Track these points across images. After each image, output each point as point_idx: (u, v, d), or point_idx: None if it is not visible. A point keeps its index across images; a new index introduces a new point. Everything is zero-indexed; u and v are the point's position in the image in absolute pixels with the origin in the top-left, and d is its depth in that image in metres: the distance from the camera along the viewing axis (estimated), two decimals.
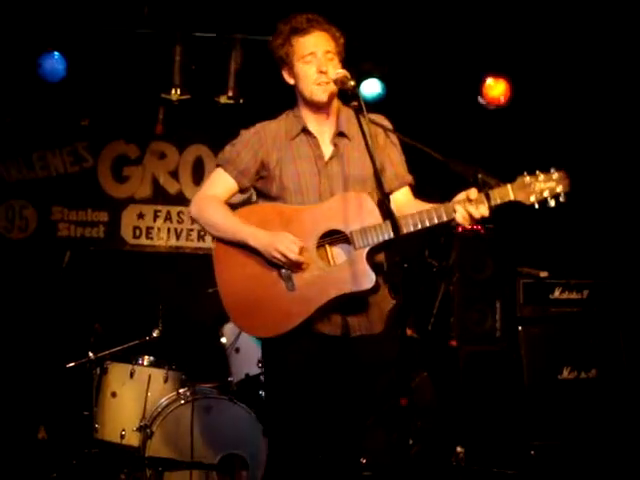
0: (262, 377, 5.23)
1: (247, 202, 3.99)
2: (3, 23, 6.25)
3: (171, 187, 7.28)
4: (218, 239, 3.69)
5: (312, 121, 3.72)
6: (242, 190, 3.76)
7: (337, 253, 3.58)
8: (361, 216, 3.53)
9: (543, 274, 6.23)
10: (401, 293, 3.10)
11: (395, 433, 4.66)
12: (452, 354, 6.26)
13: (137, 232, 7.23)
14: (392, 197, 3.76)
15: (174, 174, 7.28)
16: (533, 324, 6.16)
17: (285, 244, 3.47)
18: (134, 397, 5.49)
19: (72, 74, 6.58)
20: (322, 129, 3.73)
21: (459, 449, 5.90)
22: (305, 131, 3.70)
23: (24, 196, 7.05)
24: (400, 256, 3.14)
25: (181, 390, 5.44)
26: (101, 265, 6.89)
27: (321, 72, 3.59)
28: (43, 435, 6.21)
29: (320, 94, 3.61)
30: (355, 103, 3.42)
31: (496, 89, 6.98)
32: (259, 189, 3.76)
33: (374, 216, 3.52)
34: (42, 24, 6.34)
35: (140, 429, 5.36)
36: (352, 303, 3.58)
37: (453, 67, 6.81)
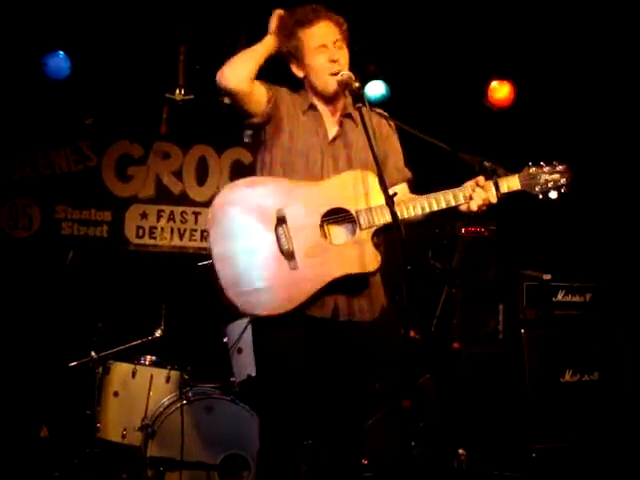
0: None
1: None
2: (8, 22, 6.26)
3: (175, 187, 7.28)
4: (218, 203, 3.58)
5: (321, 105, 3.72)
6: (253, 119, 3.68)
7: (338, 232, 3.55)
8: (367, 196, 3.50)
9: (546, 277, 6.22)
10: (404, 295, 3.09)
11: (397, 434, 4.66)
12: (455, 356, 6.25)
13: (140, 232, 7.23)
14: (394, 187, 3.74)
15: (178, 174, 7.29)
16: (536, 326, 6.15)
17: None
18: (136, 397, 5.49)
19: (76, 73, 6.58)
20: (330, 110, 3.73)
21: (461, 451, 5.91)
22: (312, 107, 3.70)
23: (28, 195, 7.05)
24: (403, 258, 3.13)
25: (183, 390, 5.44)
26: (104, 264, 6.88)
27: (333, 61, 3.59)
28: (45, 434, 6.21)
29: (334, 84, 3.61)
30: (360, 104, 3.43)
31: (501, 91, 6.98)
32: (267, 133, 3.68)
33: (381, 197, 3.44)
34: (47, 23, 6.35)
35: (142, 429, 5.35)
36: (346, 287, 3.54)
37: (458, 69, 6.81)
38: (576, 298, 6.25)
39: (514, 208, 6.89)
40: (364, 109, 3.46)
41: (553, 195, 3.53)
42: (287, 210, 3.50)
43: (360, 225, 3.48)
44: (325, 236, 3.52)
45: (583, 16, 6.23)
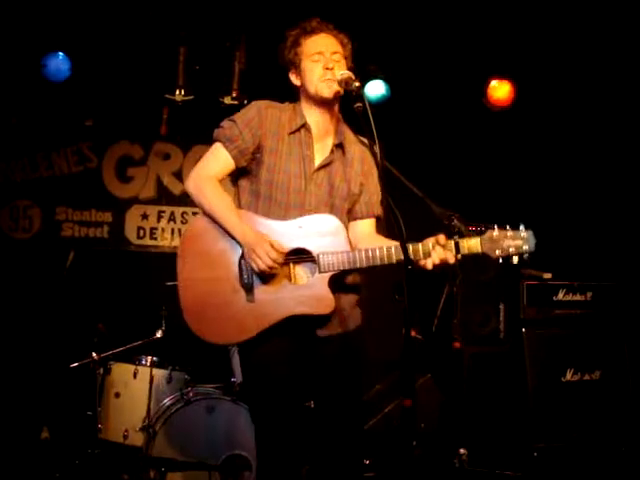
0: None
1: None
2: (8, 23, 6.26)
3: (175, 188, 7.28)
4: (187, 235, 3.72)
5: (316, 125, 3.71)
6: (237, 169, 3.71)
7: (301, 272, 3.58)
8: (332, 240, 3.53)
9: (547, 276, 6.22)
10: (405, 295, 3.09)
11: (399, 434, 4.67)
12: (456, 356, 6.25)
13: (141, 232, 7.23)
14: (355, 224, 3.77)
15: (178, 175, 7.28)
16: (537, 326, 6.15)
17: (265, 249, 3.45)
18: (137, 397, 5.49)
19: (76, 74, 6.58)
20: (322, 134, 3.72)
21: (462, 451, 5.90)
22: (305, 127, 3.70)
23: (28, 196, 7.05)
24: (404, 258, 3.13)
25: (184, 391, 5.44)
26: (105, 265, 6.89)
27: (327, 69, 3.60)
28: (46, 435, 6.21)
29: (325, 90, 3.60)
30: (360, 104, 3.41)
31: (500, 91, 6.98)
32: (247, 169, 3.70)
33: (344, 244, 3.54)
34: (47, 24, 6.35)
35: (143, 429, 5.36)
36: (314, 319, 3.57)
37: (457, 69, 6.81)
38: (577, 297, 6.25)
39: (514, 207, 6.93)
40: (365, 138, 3.47)
41: (514, 260, 3.51)
42: None
43: (319, 268, 3.50)
44: (288, 274, 3.56)
45: (583, 15, 6.22)
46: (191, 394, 5.40)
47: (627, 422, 6.00)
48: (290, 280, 3.55)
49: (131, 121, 7.12)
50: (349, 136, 3.77)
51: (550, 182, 7.03)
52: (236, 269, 3.56)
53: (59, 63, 6.51)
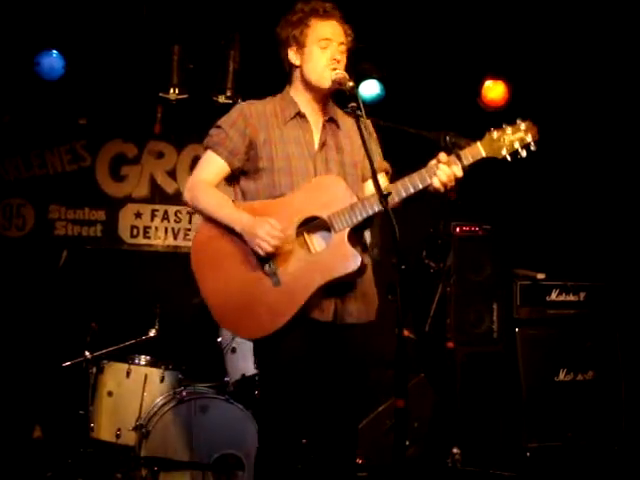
0: (258, 377, 5.22)
1: None
2: (1, 22, 6.24)
3: (169, 186, 7.27)
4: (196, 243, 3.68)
5: (306, 106, 3.72)
6: (233, 171, 3.71)
7: (317, 239, 3.56)
8: (336, 199, 3.51)
9: (540, 276, 6.24)
10: (398, 294, 3.08)
11: (392, 434, 4.66)
12: (449, 355, 6.26)
13: (134, 231, 7.22)
14: (368, 183, 3.75)
15: (172, 173, 7.27)
16: (530, 326, 6.17)
17: (265, 229, 3.45)
18: (130, 396, 5.48)
19: (70, 72, 6.55)
20: (315, 114, 3.73)
21: (455, 450, 5.91)
22: (299, 115, 3.70)
23: (22, 194, 7.03)
24: (397, 257, 3.12)
25: (177, 390, 5.44)
26: (98, 264, 6.87)
27: (335, 60, 3.59)
28: (39, 434, 6.21)
29: (328, 80, 3.59)
30: (353, 104, 3.42)
31: (495, 91, 6.98)
32: (246, 169, 3.70)
33: (348, 196, 3.51)
34: (40, 22, 6.33)
35: (136, 429, 5.35)
36: (343, 289, 3.56)
37: (452, 68, 6.81)
38: (570, 297, 6.27)
39: (507, 208, 6.94)
40: (358, 112, 3.43)
41: (523, 154, 3.48)
42: None
43: (334, 229, 3.48)
44: (305, 245, 3.54)
45: (578, 14, 6.22)
46: (184, 393, 5.39)
47: (619, 422, 6.02)
48: (310, 250, 3.53)
49: (125, 120, 7.10)
50: (338, 110, 3.77)
51: (543, 182, 7.04)
52: (254, 259, 3.53)
53: (53, 61, 6.48)
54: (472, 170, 3.50)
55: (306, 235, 3.55)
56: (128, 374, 5.52)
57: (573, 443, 5.92)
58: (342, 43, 3.65)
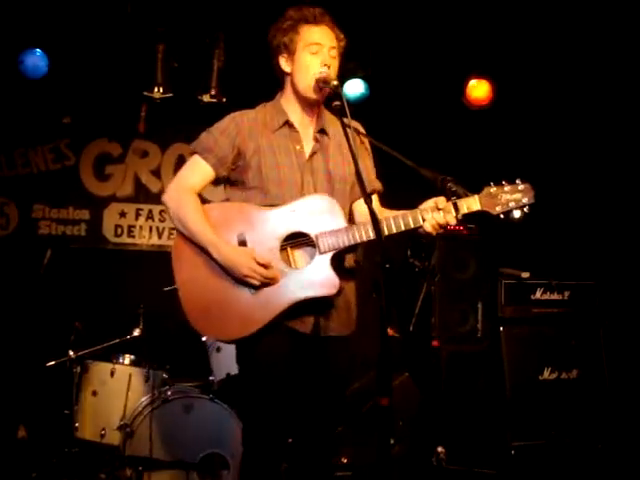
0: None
1: None
2: None
3: (153, 186, 7.26)
4: (180, 235, 3.64)
5: (296, 115, 3.69)
6: (217, 179, 3.68)
7: (299, 256, 3.54)
8: (328, 219, 3.50)
9: (525, 275, 6.25)
10: (383, 293, 3.08)
11: (376, 433, 4.66)
12: (434, 354, 6.27)
13: (119, 230, 7.20)
14: (359, 203, 3.73)
15: (156, 173, 7.26)
16: (514, 324, 6.18)
17: (249, 266, 3.43)
18: (115, 396, 5.47)
19: (54, 71, 6.54)
20: (305, 124, 3.70)
21: (440, 449, 5.92)
22: (288, 124, 3.67)
23: (5, 193, 7.00)
24: (381, 256, 3.12)
25: (162, 389, 5.43)
26: (82, 263, 6.86)
27: (325, 65, 3.55)
28: (23, 434, 6.18)
29: (315, 94, 3.57)
30: (338, 103, 3.40)
31: (479, 89, 7.00)
32: (233, 179, 3.67)
33: (340, 220, 3.50)
34: (24, 21, 6.31)
35: (120, 428, 5.35)
36: (323, 304, 3.54)
37: (437, 67, 6.83)
38: (554, 296, 6.28)
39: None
40: (345, 120, 3.42)
41: (516, 215, 3.50)
42: (247, 235, 3.52)
43: (319, 249, 3.47)
44: (287, 260, 3.52)
45: (562, 13, 6.25)
46: (169, 392, 5.39)
47: (604, 420, 6.03)
48: (290, 266, 3.51)
49: (109, 119, 7.08)
50: (331, 118, 3.72)
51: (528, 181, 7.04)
52: None
53: (36, 60, 6.46)
54: (453, 169, 3.50)
55: (290, 250, 3.53)
56: (112, 374, 5.51)
57: (557, 441, 5.93)
58: (333, 47, 3.61)
